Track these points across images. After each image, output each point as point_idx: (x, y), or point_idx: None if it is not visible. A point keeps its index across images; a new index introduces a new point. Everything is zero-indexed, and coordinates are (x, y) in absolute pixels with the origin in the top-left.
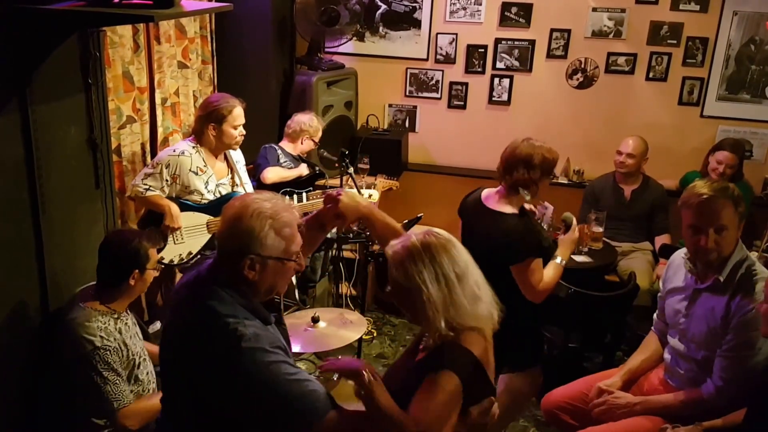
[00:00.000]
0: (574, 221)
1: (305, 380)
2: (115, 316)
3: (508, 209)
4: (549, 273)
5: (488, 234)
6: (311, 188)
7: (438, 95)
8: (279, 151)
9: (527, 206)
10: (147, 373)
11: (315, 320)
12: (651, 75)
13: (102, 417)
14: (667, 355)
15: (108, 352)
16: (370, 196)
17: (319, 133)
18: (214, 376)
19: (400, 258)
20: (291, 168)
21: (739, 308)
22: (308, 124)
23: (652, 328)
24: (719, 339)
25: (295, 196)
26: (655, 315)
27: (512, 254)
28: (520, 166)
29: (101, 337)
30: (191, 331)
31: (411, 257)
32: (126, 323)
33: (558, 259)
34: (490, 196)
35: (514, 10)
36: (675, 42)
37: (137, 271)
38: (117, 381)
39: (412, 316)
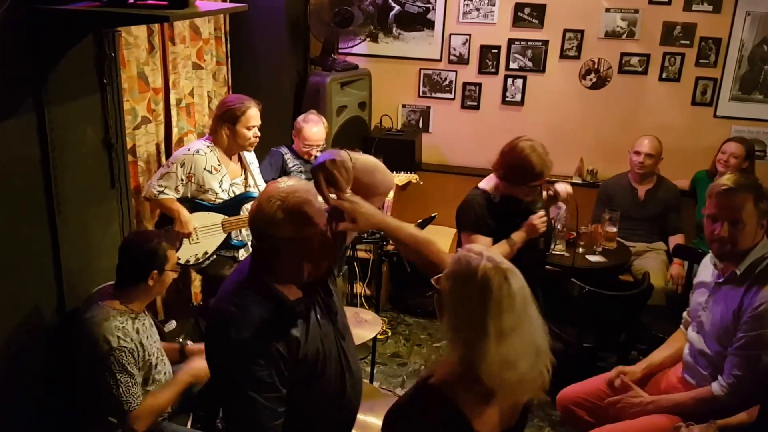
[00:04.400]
0: (540, 212)
1: (261, 391)
2: (133, 316)
3: (484, 185)
4: (494, 249)
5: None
6: None
7: (451, 96)
8: (288, 155)
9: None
10: (164, 374)
11: None
12: (664, 75)
13: (114, 417)
14: (686, 351)
15: (123, 353)
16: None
17: (307, 140)
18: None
19: (458, 269)
20: (301, 172)
21: (751, 303)
22: (301, 120)
23: (681, 324)
24: (730, 334)
25: None
26: (685, 312)
27: (460, 222)
28: (503, 151)
29: (118, 337)
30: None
31: (465, 278)
32: (143, 323)
33: (511, 239)
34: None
35: (527, 10)
36: (688, 42)
37: (155, 271)
38: (129, 383)
39: (440, 319)
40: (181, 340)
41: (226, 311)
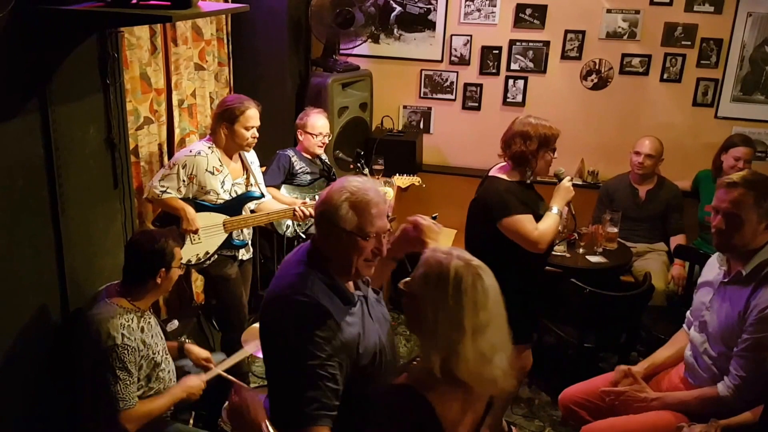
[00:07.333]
0: (567, 176)
1: (320, 379)
2: (139, 314)
3: (505, 176)
4: (545, 222)
5: (482, 195)
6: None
7: (452, 97)
8: (294, 158)
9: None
10: (168, 372)
11: None
12: (665, 76)
13: (105, 414)
14: (688, 351)
15: (126, 351)
16: (385, 194)
17: (315, 129)
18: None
19: (430, 271)
20: (306, 173)
21: (758, 305)
22: (300, 117)
23: (684, 324)
24: (735, 335)
25: (308, 199)
26: (688, 312)
27: (502, 209)
28: (517, 138)
29: (122, 334)
30: (270, 307)
31: (438, 278)
32: (149, 322)
33: (554, 209)
34: (496, 167)
35: (528, 11)
36: (689, 43)
37: (164, 269)
38: (127, 381)
39: (410, 326)
40: (183, 339)
41: (294, 300)
